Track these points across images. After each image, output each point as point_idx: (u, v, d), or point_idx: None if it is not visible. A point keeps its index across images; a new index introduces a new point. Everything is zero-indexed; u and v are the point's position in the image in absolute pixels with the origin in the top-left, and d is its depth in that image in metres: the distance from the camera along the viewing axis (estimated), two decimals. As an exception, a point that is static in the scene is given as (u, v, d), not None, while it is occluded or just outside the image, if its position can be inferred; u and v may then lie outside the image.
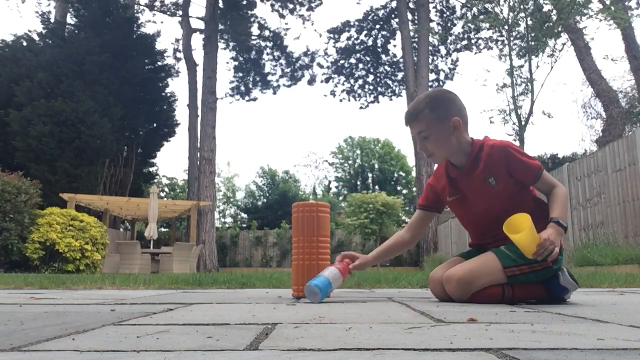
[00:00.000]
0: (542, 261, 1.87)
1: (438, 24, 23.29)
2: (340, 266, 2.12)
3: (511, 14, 14.35)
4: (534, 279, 1.94)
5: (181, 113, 43.13)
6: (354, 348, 0.92)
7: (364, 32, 24.80)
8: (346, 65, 25.14)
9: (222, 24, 20.37)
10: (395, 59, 24.94)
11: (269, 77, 23.99)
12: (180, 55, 21.99)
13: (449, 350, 0.89)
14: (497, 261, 1.92)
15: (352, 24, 24.64)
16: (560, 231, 1.88)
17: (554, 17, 13.97)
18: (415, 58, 19.30)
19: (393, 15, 23.63)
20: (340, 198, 35.13)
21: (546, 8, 14.28)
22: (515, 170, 1.98)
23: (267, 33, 23.06)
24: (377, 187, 34.66)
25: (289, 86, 24.36)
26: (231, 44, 22.84)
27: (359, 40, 24.89)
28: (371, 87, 25.49)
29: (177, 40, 22.89)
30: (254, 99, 24.10)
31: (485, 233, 2.13)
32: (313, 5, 22.80)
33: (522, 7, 14.17)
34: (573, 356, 0.83)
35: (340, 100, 26.06)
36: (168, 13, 22.26)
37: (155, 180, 22.74)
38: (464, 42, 23.17)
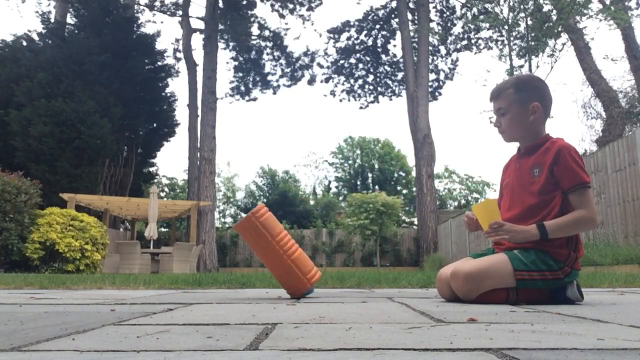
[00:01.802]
0: (553, 270, 1.90)
1: (438, 24, 23.28)
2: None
3: (511, 14, 14.34)
4: (542, 286, 1.93)
5: (181, 113, 43.06)
6: (354, 348, 0.91)
7: (364, 32, 24.78)
8: (346, 65, 25.12)
9: (222, 24, 20.35)
10: (395, 59, 24.92)
11: (269, 77, 23.98)
12: (180, 55, 21.97)
13: (449, 350, 0.89)
14: (508, 262, 1.91)
15: (352, 24, 24.62)
16: (531, 233, 1.88)
17: (554, 17, 13.97)
18: (415, 58, 19.29)
19: (393, 15, 23.61)
20: (340, 198, 35.07)
21: (546, 8, 14.28)
22: (558, 169, 1.95)
23: (267, 33, 23.05)
24: (377, 187, 34.61)
25: (289, 86, 24.35)
26: (231, 44, 22.82)
27: (359, 40, 24.87)
28: (371, 87, 25.48)
29: (177, 40, 22.88)
30: (254, 99, 24.10)
31: None
32: (313, 5, 22.79)
33: (522, 7, 14.16)
34: (573, 356, 0.83)
35: (340, 100, 26.05)
36: (168, 13, 22.25)
37: (155, 180, 22.72)
38: (464, 42, 23.17)
